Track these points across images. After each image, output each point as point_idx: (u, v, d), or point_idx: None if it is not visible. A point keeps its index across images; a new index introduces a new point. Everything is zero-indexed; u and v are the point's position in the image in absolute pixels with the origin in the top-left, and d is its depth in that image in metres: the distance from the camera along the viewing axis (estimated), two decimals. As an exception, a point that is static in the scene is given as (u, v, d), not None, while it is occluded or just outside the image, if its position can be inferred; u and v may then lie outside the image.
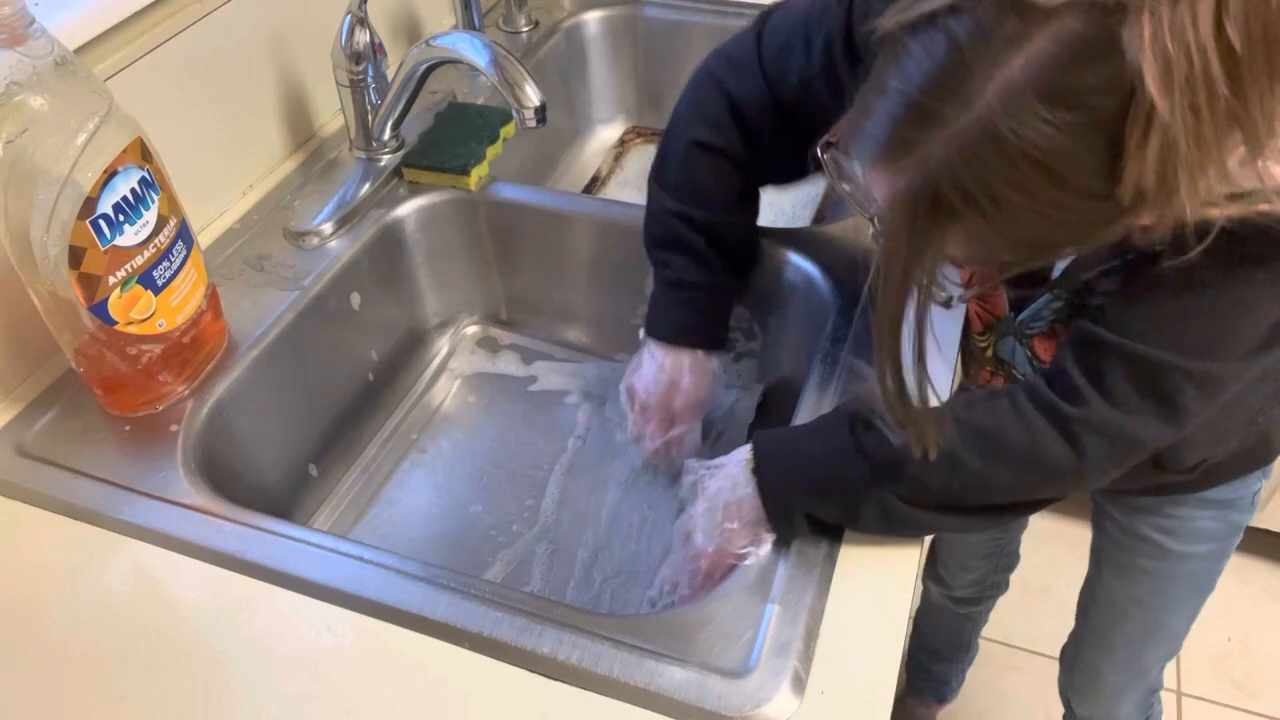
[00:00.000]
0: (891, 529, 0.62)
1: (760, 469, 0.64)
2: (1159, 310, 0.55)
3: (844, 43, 0.66)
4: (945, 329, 0.75)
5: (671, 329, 0.80)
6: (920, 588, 1.30)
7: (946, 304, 0.54)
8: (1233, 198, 0.44)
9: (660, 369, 0.80)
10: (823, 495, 0.61)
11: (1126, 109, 0.40)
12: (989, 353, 0.79)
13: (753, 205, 0.81)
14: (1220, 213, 0.44)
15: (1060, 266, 0.63)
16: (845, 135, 0.50)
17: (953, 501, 0.60)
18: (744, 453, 0.65)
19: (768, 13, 0.75)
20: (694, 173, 0.77)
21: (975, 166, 0.43)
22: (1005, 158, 0.42)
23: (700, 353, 0.80)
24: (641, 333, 0.82)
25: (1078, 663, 1.03)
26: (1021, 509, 0.63)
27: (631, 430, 0.85)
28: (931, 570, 1.25)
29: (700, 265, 0.78)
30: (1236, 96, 0.39)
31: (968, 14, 0.43)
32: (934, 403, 0.54)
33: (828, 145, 0.55)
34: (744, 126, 0.75)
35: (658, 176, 0.80)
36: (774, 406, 0.90)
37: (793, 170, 0.79)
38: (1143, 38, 0.39)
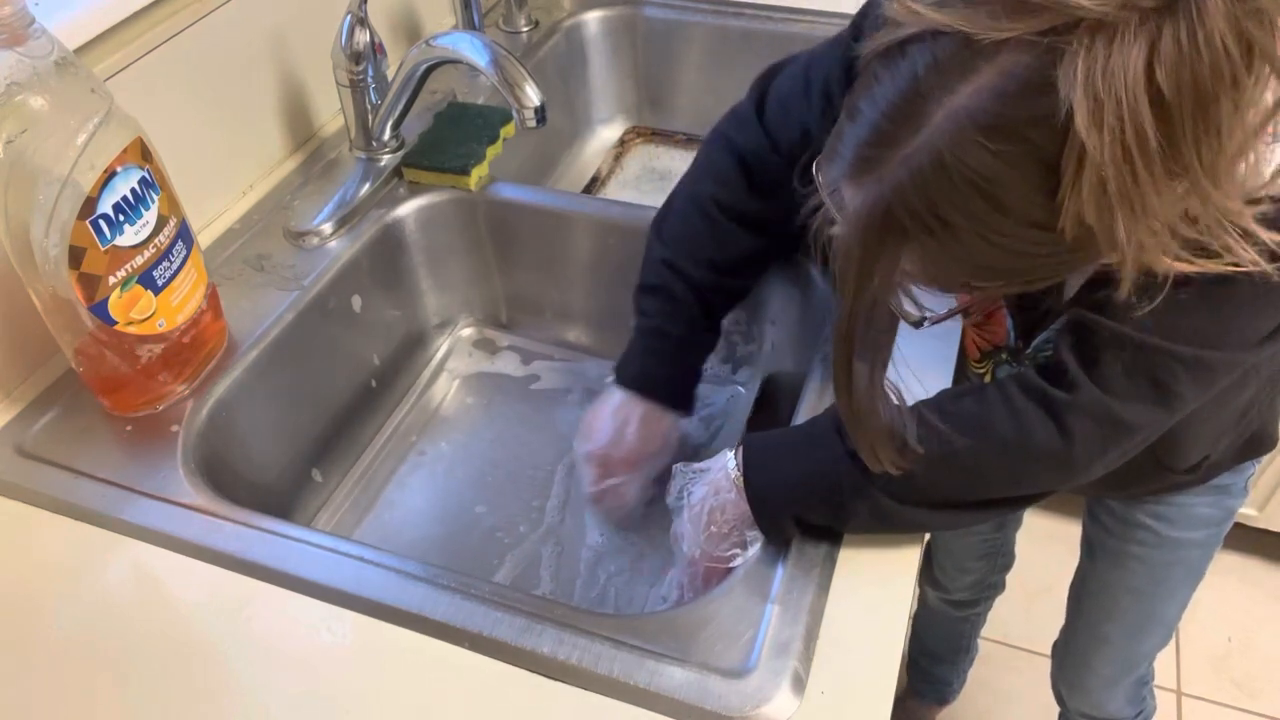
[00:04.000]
0: (882, 527, 0.62)
1: (748, 472, 0.64)
2: (1160, 298, 0.55)
3: (841, 83, 0.67)
4: (939, 356, 0.74)
5: (633, 377, 0.79)
6: (917, 591, 1.30)
7: (917, 325, 0.55)
8: (1198, 250, 0.45)
9: (613, 414, 0.79)
10: (810, 496, 0.61)
11: (1063, 144, 0.42)
12: (986, 379, 0.79)
13: (749, 266, 0.80)
14: (1188, 267, 0.46)
15: (1073, 290, 0.63)
16: (823, 155, 0.52)
17: (942, 496, 0.60)
18: (728, 458, 0.65)
19: (772, 69, 0.76)
20: (691, 225, 0.77)
21: (923, 188, 0.45)
22: (949, 181, 0.44)
23: (657, 407, 0.79)
24: (609, 378, 0.81)
25: (1069, 655, 1.03)
26: (1013, 503, 0.63)
27: (580, 468, 0.83)
28: (928, 575, 1.24)
29: (678, 318, 0.77)
30: (1168, 142, 0.41)
31: (929, 43, 0.45)
32: (898, 414, 0.55)
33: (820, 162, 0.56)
34: (750, 181, 0.75)
35: (658, 227, 0.79)
36: (772, 403, 0.90)
37: (792, 233, 0.79)
38: (1076, 77, 0.40)
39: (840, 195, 0.50)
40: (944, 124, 0.44)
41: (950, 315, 0.61)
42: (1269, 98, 0.41)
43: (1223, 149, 0.41)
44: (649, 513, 0.83)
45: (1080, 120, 0.41)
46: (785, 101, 0.73)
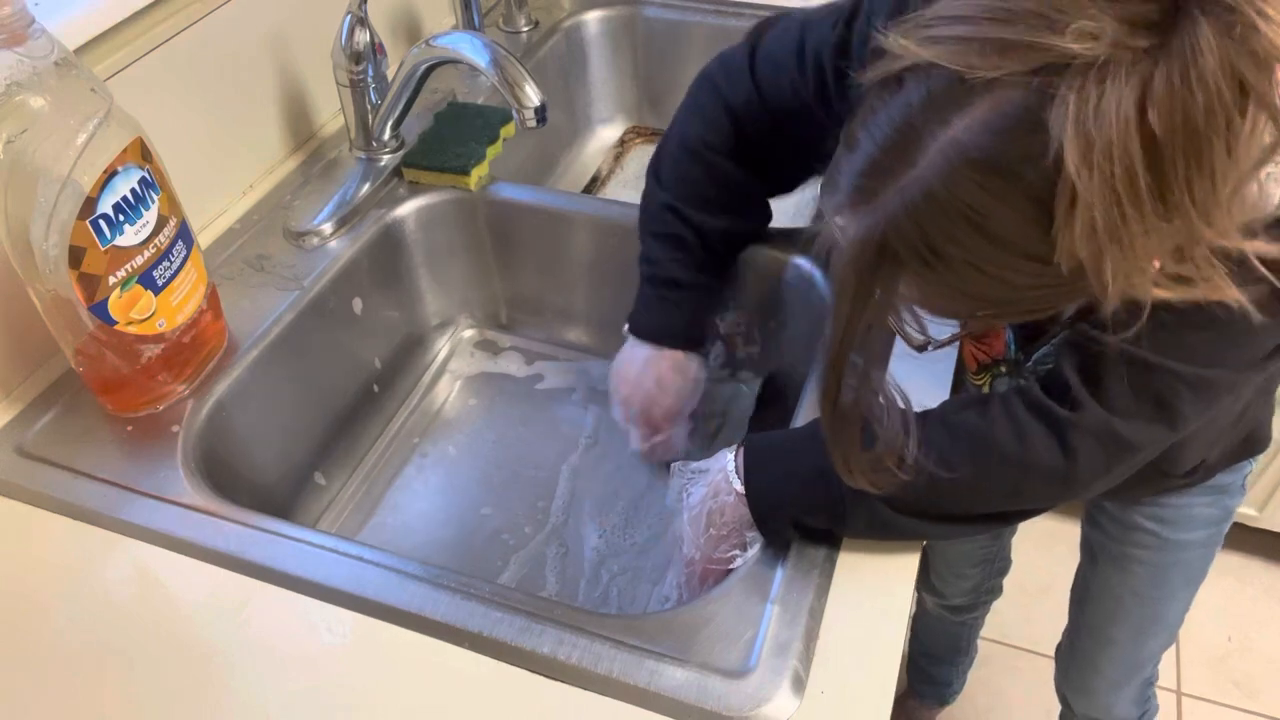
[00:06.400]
0: (879, 535, 0.62)
1: (748, 473, 0.64)
2: (1163, 317, 0.55)
3: (832, 62, 0.67)
4: (937, 368, 0.74)
5: (653, 329, 0.81)
6: (915, 596, 1.30)
7: (920, 349, 0.55)
8: (1178, 280, 0.45)
9: (642, 371, 0.81)
10: (810, 501, 0.61)
11: (1055, 182, 0.42)
12: (984, 391, 0.79)
13: (747, 209, 0.81)
14: (1168, 294, 0.45)
15: (1071, 308, 0.63)
16: (824, 183, 0.52)
17: (941, 508, 0.60)
18: (727, 459, 0.65)
19: (765, 22, 0.76)
20: (689, 170, 0.78)
21: (916, 219, 0.45)
22: (942, 214, 0.45)
23: (680, 354, 0.81)
24: (625, 327, 0.82)
25: (1074, 658, 1.03)
26: (1012, 517, 0.63)
27: (621, 427, 0.87)
28: (925, 580, 1.24)
29: (687, 263, 0.78)
30: (1159, 183, 0.40)
31: (924, 76, 0.45)
32: (901, 423, 0.56)
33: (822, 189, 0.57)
34: (739, 129, 0.76)
35: (655, 171, 0.80)
36: (773, 402, 0.90)
37: (786, 177, 0.79)
38: (1067, 116, 0.40)
39: (840, 223, 0.50)
40: (936, 157, 0.44)
41: (953, 340, 0.61)
42: (1264, 140, 0.40)
43: (1215, 190, 0.41)
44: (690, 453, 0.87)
45: (1071, 160, 0.40)
46: (778, 60, 0.73)
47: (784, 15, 0.75)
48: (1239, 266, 0.45)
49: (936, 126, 0.44)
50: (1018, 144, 0.42)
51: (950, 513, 0.61)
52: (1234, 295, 0.45)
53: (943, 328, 0.58)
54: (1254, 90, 0.39)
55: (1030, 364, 0.71)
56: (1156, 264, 0.44)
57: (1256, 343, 0.55)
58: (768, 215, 0.85)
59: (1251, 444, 0.78)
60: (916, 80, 0.45)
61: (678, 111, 0.80)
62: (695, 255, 0.78)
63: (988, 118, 0.43)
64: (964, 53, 0.43)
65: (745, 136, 0.76)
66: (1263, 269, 0.44)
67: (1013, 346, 0.73)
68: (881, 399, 0.56)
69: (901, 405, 0.57)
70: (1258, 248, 0.44)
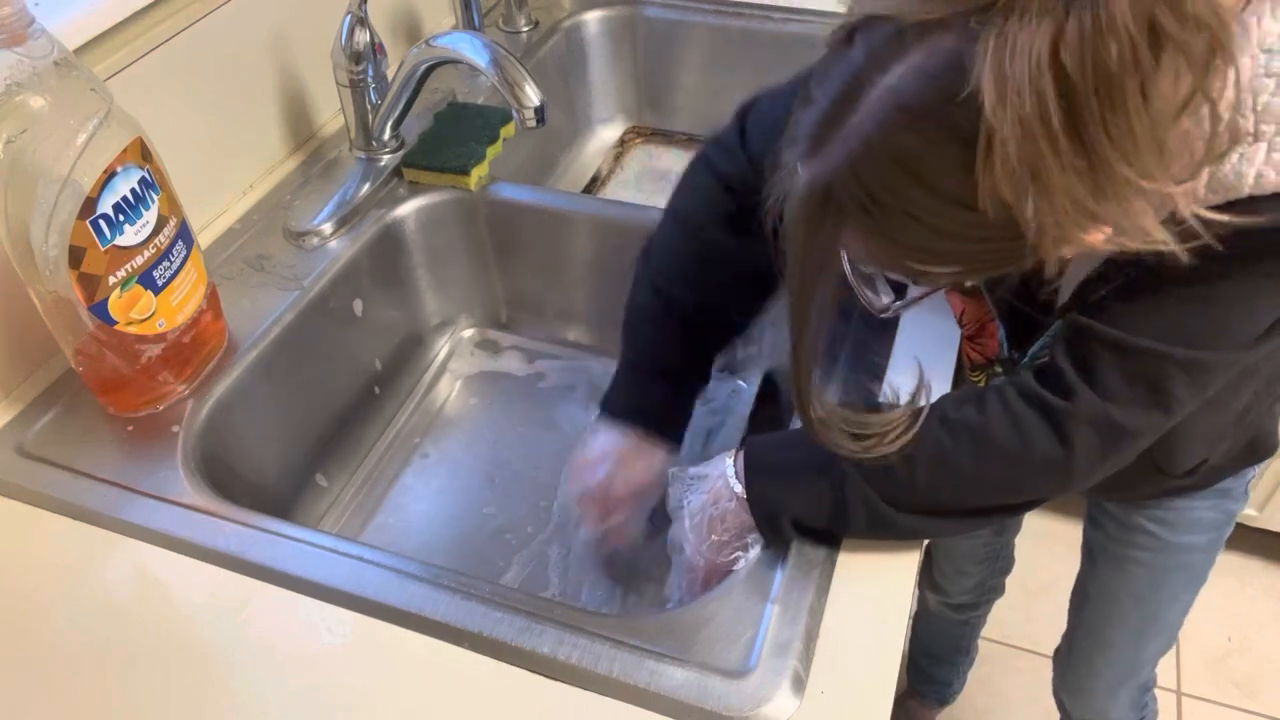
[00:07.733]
0: (880, 534, 0.62)
1: (748, 478, 0.63)
2: (1154, 300, 0.55)
3: None
4: (939, 360, 0.74)
5: (622, 408, 0.76)
6: (917, 594, 1.30)
7: (881, 313, 0.55)
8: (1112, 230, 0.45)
9: (604, 450, 0.75)
10: (811, 502, 0.61)
11: (977, 122, 0.42)
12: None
13: (739, 290, 0.75)
14: (1104, 242, 0.46)
15: (1065, 296, 0.63)
16: (784, 141, 0.52)
17: (941, 504, 0.60)
18: (726, 464, 0.65)
19: (754, 98, 0.74)
20: (679, 246, 0.75)
21: (854, 166, 0.46)
22: (877, 159, 0.46)
23: (649, 437, 0.75)
24: (595, 415, 0.77)
25: (1071, 661, 1.03)
26: (1011, 510, 0.63)
27: (566, 517, 0.82)
28: (928, 578, 1.24)
29: (668, 348, 0.75)
30: (1073, 121, 0.41)
31: (869, 30, 0.46)
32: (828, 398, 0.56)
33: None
34: (734, 200, 0.73)
35: (645, 252, 0.77)
36: (772, 399, 0.90)
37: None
38: (986, 55, 0.41)
39: (796, 179, 0.51)
40: (874, 104, 0.45)
41: (914, 302, 0.61)
42: (1184, 83, 0.41)
43: (1133, 131, 0.41)
44: (650, 551, 0.79)
45: (989, 98, 0.41)
46: (768, 125, 0.71)
47: (768, 89, 0.73)
48: (1170, 218, 0.45)
49: (876, 75, 0.45)
50: (944, 85, 0.43)
51: (951, 508, 0.61)
52: (1162, 238, 0.45)
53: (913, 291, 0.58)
54: (1166, 32, 0.39)
55: (1026, 361, 0.71)
56: (1081, 208, 0.43)
57: (1248, 323, 0.55)
58: (758, 304, 0.77)
59: (1257, 449, 0.78)
60: (864, 35, 0.46)
61: (672, 194, 0.77)
62: (675, 339, 0.75)
63: (920, 62, 0.44)
64: (905, 1, 0.44)
65: (742, 207, 0.72)
66: (1200, 228, 0.45)
67: (1005, 345, 0.73)
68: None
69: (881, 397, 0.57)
70: (1211, 216, 0.45)
